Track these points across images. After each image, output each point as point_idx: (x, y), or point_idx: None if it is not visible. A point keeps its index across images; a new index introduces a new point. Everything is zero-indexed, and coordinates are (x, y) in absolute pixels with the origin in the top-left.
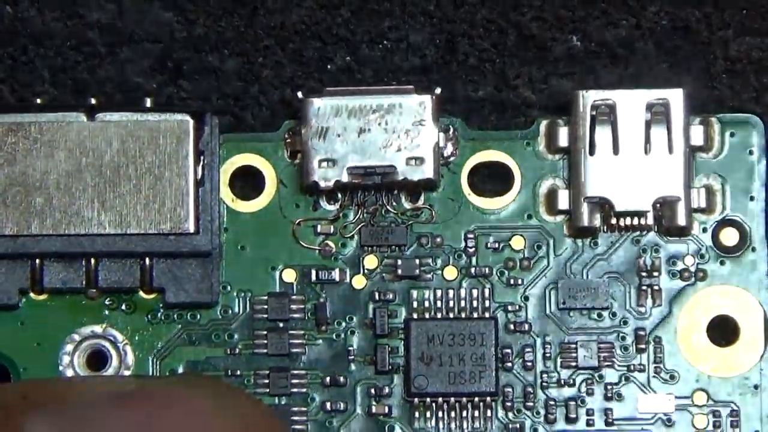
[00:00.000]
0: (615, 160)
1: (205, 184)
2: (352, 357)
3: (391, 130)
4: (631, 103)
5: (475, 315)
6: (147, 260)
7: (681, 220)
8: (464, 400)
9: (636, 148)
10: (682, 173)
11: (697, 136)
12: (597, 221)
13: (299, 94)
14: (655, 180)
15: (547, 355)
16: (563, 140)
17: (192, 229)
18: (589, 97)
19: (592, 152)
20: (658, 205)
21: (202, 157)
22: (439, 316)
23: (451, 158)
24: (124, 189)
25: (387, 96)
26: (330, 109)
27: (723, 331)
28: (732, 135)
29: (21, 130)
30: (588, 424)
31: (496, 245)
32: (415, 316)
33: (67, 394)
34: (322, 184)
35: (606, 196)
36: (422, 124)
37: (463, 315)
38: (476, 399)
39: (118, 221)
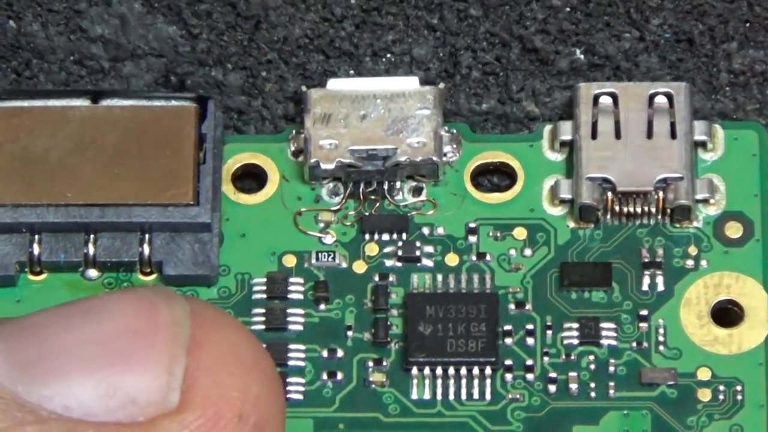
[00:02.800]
0: (617, 143)
1: (207, 164)
2: (350, 333)
3: (393, 116)
4: (633, 95)
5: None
6: (146, 234)
7: (683, 198)
8: (463, 369)
9: (638, 132)
10: (685, 154)
11: (701, 131)
12: (599, 200)
13: (303, 88)
14: (658, 161)
15: (548, 330)
16: (566, 133)
17: (191, 201)
18: (591, 88)
19: (594, 137)
20: (660, 192)
21: (204, 143)
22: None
23: (454, 158)
24: (125, 164)
25: (391, 84)
26: (333, 96)
27: (727, 314)
28: (735, 140)
29: (25, 112)
30: (588, 397)
31: (498, 234)
32: (414, 291)
33: (10, 318)
34: (324, 164)
35: (608, 176)
36: (425, 110)
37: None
38: (475, 368)
39: (118, 193)
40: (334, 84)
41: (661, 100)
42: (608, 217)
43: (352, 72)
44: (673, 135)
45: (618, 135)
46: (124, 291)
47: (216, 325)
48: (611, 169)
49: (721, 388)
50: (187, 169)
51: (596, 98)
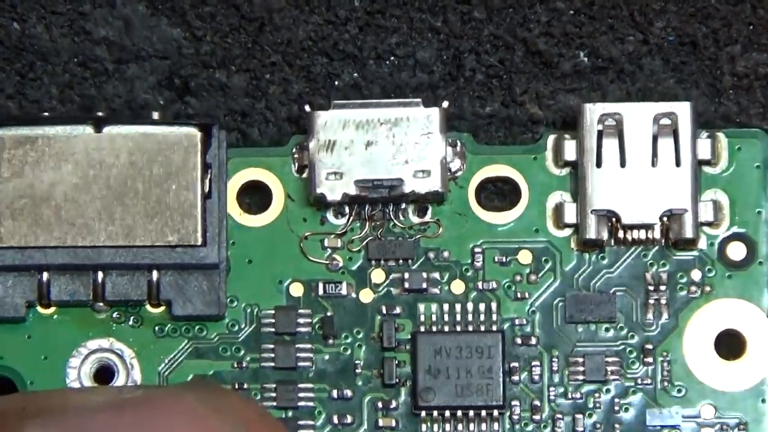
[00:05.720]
0: (622, 172)
1: (213, 197)
2: (359, 370)
3: (398, 143)
4: (638, 116)
5: (482, 328)
6: (154, 273)
7: (688, 233)
8: (471, 413)
9: (643, 160)
10: (689, 186)
11: (704, 149)
12: (604, 234)
13: (307, 108)
14: (663, 193)
15: (554, 368)
16: (570, 154)
17: (199, 242)
18: (596, 110)
19: (599, 165)
20: (665, 218)
21: (209, 170)
22: (446, 329)
23: (459, 173)
24: (131, 201)
25: (394, 109)
26: (337, 122)
27: (730, 344)
28: (739, 149)
29: (29, 142)
30: None
31: (503, 259)
32: (422, 329)
33: (66, 403)
34: (330, 196)
35: (613, 209)
36: (429, 136)
37: (470, 328)
38: (483, 412)
39: (126, 233)
40: (338, 107)
41: (665, 122)
42: (612, 242)
43: (356, 75)
44: (678, 161)
45: (623, 162)
46: (182, 401)
47: None
48: (616, 202)
49: (725, 427)
50: (194, 206)
51: (600, 119)
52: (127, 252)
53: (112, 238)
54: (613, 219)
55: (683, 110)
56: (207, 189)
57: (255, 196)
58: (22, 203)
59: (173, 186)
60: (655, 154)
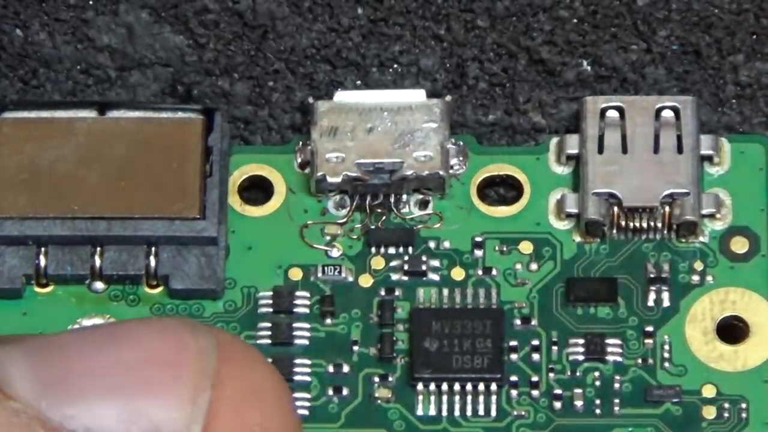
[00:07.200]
0: (623, 157)
1: (213, 176)
2: (356, 348)
3: (400, 129)
4: (640, 109)
5: (482, 307)
6: (153, 247)
7: (689, 214)
8: (468, 385)
9: (645, 147)
10: (691, 169)
11: (707, 144)
12: (605, 215)
13: (310, 99)
14: (664, 176)
15: (553, 344)
16: (573, 147)
17: (197, 215)
18: (598, 102)
19: (600, 151)
20: (666, 207)
21: (210, 154)
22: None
23: (461, 171)
24: (131, 177)
25: (397, 97)
26: (340, 109)
27: (732, 330)
28: (742, 153)
29: (32, 123)
30: (593, 414)
31: (504, 248)
32: (420, 307)
33: (38, 336)
34: (330, 178)
35: (614, 191)
36: (432, 123)
37: (469, 307)
38: (481, 385)
39: (125, 207)
40: (341, 96)
41: (667, 114)
42: (614, 231)
43: (359, 82)
44: (680, 149)
45: (624, 149)
46: (151, 319)
47: (241, 359)
48: (617, 185)
49: (726, 405)
50: (194, 182)
51: (603, 112)
52: (126, 224)
53: (110, 210)
54: (615, 207)
55: (686, 103)
56: (208, 170)
57: (256, 191)
58: (23, 177)
59: (174, 164)
60: (657, 143)
